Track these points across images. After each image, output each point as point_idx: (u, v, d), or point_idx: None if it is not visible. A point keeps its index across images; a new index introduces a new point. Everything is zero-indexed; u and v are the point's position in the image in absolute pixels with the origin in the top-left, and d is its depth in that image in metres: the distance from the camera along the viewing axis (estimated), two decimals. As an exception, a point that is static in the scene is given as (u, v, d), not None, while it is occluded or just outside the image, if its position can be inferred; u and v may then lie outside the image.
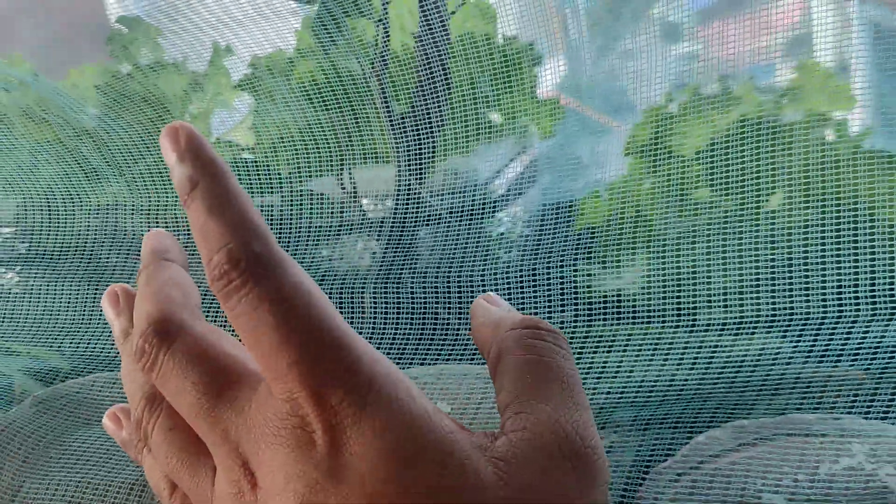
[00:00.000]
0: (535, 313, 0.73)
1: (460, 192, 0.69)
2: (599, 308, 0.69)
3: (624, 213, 0.74)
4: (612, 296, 0.71)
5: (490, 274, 0.73)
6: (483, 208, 0.72)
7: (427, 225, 0.68)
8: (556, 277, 0.72)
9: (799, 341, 0.53)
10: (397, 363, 0.68)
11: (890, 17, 1.75)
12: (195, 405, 0.28)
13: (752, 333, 0.59)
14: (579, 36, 2.20)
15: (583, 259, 0.73)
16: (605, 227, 0.74)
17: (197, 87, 0.80)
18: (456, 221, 0.70)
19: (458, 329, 0.69)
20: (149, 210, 0.74)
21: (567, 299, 0.72)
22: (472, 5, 0.82)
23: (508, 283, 0.72)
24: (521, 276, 0.73)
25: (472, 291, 0.71)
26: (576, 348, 0.67)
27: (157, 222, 0.75)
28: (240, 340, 0.30)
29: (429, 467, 0.24)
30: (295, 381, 0.26)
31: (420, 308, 0.66)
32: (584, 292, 0.72)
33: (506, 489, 0.24)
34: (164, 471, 0.31)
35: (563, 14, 2.12)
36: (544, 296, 0.73)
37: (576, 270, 0.73)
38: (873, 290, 0.58)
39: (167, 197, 0.74)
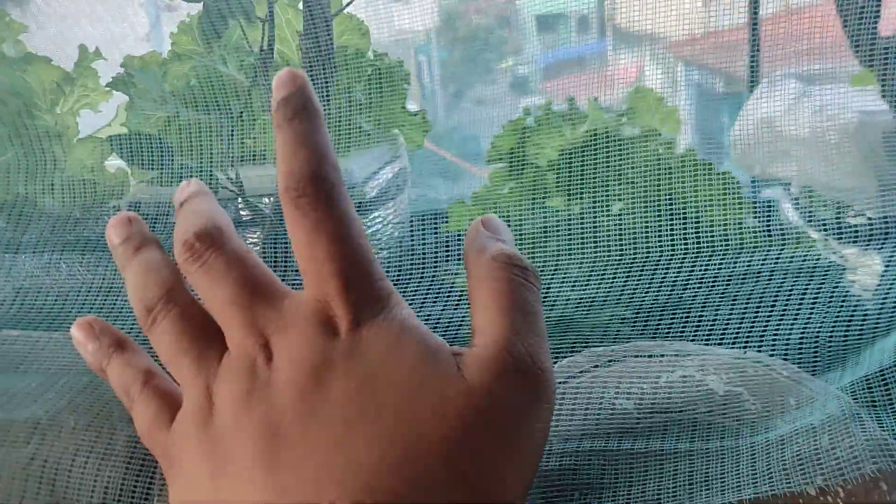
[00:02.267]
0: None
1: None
2: (466, 302, 0.74)
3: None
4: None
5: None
6: (358, 208, 0.76)
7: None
8: (428, 276, 0.77)
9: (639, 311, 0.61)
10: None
11: (709, 76, 1.96)
12: (232, 295, 0.32)
13: (601, 310, 0.66)
14: (432, 83, 2.30)
15: (454, 261, 0.78)
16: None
17: (65, 85, 0.79)
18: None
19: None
20: (13, 204, 0.72)
21: (440, 296, 0.76)
22: (346, 17, 0.87)
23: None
24: (393, 276, 0.76)
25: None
26: (449, 336, 0.71)
27: (20, 216, 0.73)
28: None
29: (419, 357, 0.30)
30: (334, 285, 0.32)
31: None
32: (453, 290, 0.76)
33: (465, 384, 0.30)
34: (164, 357, 0.33)
35: (418, 62, 2.21)
36: (413, 292, 0.76)
37: (446, 271, 0.77)
38: (701, 277, 0.67)
39: (27, 187, 0.72)
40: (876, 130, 0.68)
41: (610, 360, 0.49)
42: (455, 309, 0.73)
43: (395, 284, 0.81)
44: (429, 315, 0.75)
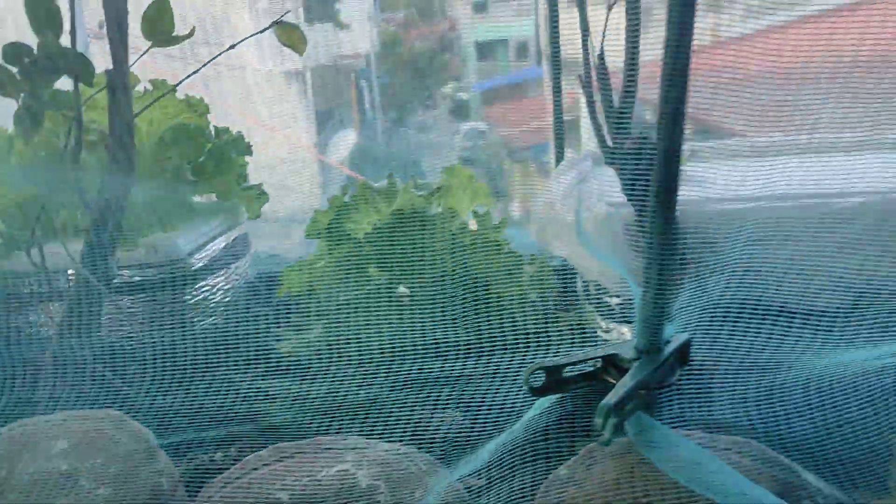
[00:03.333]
0: (231, 369, 0.81)
1: (158, 266, 0.79)
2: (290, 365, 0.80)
3: (312, 284, 0.86)
4: (303, 352, 0.82)
5: (187, 337, 0.81)
6: (183, 279, 0.82)
7: (121, 293, 0.77)
8: (252, 341, 0.83)
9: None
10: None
11: (637, 106, 2.02)
12: None
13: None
14: (373, 109, 2.35)
15: (283, 325, 0.84)
16: (300, 295, 0.86)
17: None
18: (155, 291, 0.80)
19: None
20: None
21: (259, 358, 0.82)
22: (182, 100, 0.92)
23: (205, 346, 0.80)
24: (220, 341, 0.82)
25: (165, 356, 0.79)
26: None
27: None
28: None
29: None
30: None
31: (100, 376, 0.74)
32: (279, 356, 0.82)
33: None
34: None
35: (359, 87, 2.26)
36: (243, 357, 0.82)
37: (277, 336, 0.83)
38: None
39: None
40: (619, 220, 0.75)
41: (296, 453, 0.56)
42: (276, 377, 0.78)
43: (221, 350, 0.87)
44: (253, 378, 0.81)
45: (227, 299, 0.88)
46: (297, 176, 1.79)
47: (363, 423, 0.61)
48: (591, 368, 0.52)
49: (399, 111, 2.26)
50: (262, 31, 0.83)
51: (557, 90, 0.95)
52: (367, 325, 0.77)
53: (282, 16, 0.83)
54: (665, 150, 0.39)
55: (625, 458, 0.51)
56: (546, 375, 0.51)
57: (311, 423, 0.63)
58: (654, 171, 0.42)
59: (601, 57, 0.80)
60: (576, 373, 0.51)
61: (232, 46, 0.87)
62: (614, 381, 0.48)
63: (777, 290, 0.74)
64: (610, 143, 0.78)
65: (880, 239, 0.73)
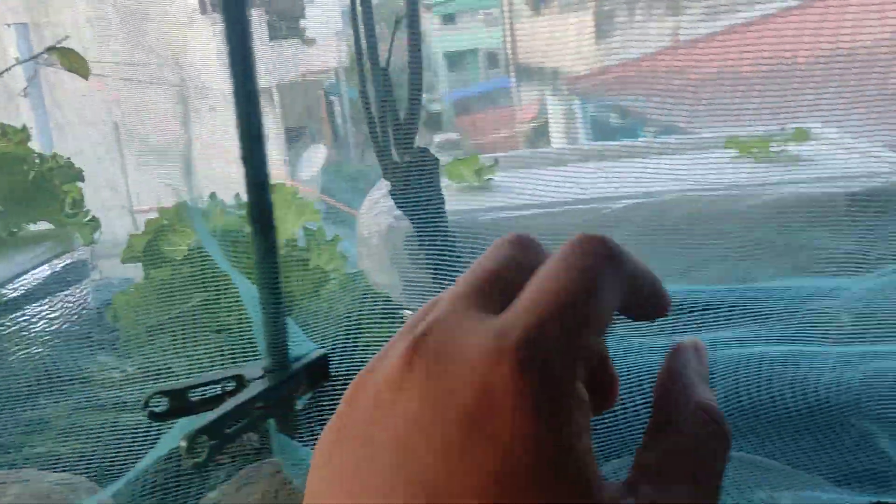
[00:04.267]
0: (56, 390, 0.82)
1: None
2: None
3: (138, 307, 0.86)
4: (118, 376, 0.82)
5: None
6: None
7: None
8: (84, 366, 0.83)
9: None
10: None
11: (603, 111, 2.00)
12: None
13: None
14: (344, 123, 2.37)
15: (109, 351, 0.84)
16: (128, 317, 0.86)
17: None
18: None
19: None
20: None
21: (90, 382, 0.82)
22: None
23: (26, 377, 0.81)
24: (41, 370, 0.82)
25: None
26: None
27: None
28: None
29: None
30: None
31: None
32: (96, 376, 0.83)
33: None
34: None
35: (328, 102, 2.28)
36: (60, 381, 0.82)
37: (102, 364, 0.84)
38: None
39: None
40: (401, 234, 0.73)
41: None
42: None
43: (43, 380, 0.86)
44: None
45: (53, 328, 0.89)
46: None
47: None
48: (220, 391, 0.50)
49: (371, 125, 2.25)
50: (33, 58, 0.84)
51: (366, 105, 0.94)
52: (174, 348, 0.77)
53: (59, 41, 0.84)
54: (252, 177, 0.38)
55: (275, 477, 0.49)
56: (170, 400, 0.50)
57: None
58: (248, 196, 0.40)
59: (385, 71, 0.79)
60: (207, 395, 0.50)
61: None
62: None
63: None
64: (396, 156, 0.77)
65: (647, 242, 0.70)
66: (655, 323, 0.59)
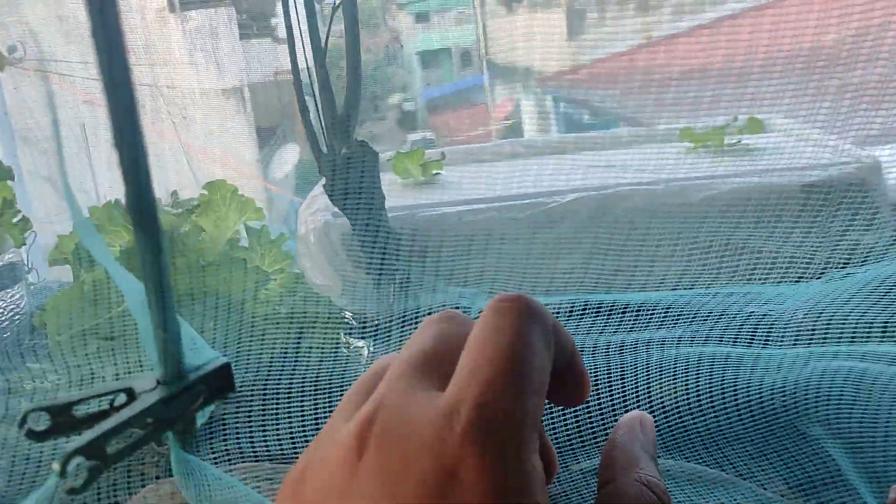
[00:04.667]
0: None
1: None
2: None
3: (66, 311, 0.83)
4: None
5: None
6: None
7: None
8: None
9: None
10: None
11: (576, 108, 1.99)
12: None
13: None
14: (321, 122, 2.33)
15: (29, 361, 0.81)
16: (54, 322, 0.83)
17: None
18: None
19: None
20: None
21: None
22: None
23: None
24: None
25: None
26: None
27: None
28: None
29: None
30: None
31: None
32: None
33: None
34: None
35: (302, 102, 2.25)
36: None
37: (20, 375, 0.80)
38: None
39: None
40: (338, 231, 0.70)
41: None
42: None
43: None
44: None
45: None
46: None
47: None
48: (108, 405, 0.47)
49: (344, 126, 2.22)
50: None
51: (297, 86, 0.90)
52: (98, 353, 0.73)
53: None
54: (128, 165, 0.34)
55: (174, 499, 0.46)
56: (51, 416, 0.46)
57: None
58: (126, 189, 0.37)
59: (322, 63, 0.75)
60: (97, 409, 0.46)
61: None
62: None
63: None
64: (325, 150, 0.74)
65: (594, 236, 0.67)
66: (593, 324, 0.57)
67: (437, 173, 0.85)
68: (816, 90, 0.70)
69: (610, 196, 0.69)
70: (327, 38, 0.76)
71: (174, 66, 1.91)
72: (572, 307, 0.57)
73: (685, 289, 0.60)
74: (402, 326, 0.66)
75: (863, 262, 0.60)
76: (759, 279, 0.62)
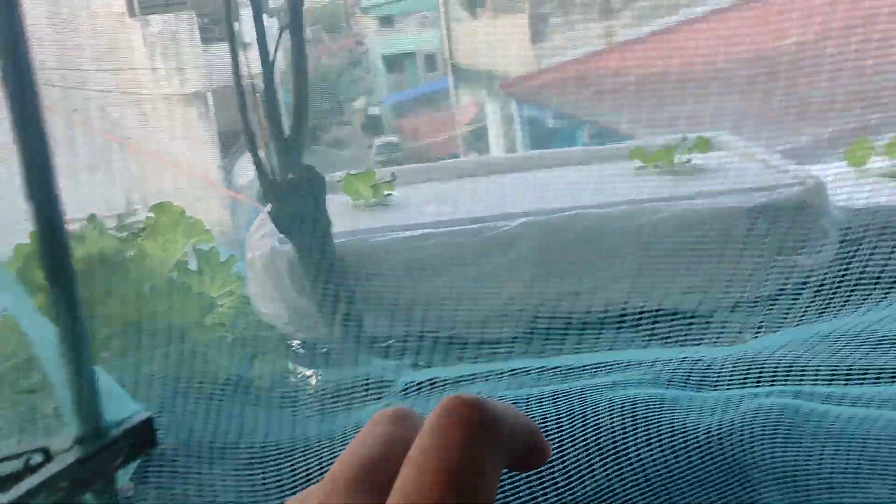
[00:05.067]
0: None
1: None
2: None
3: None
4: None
5: None
6: None
7: None
8: None
9: None
10: None
11: (540, 113, 1.98)
12: None
13: None
14: (285, 127, 2.30)
15: None
16: None
17: None
18: None
19: None
20: None
21: None
22: None
23: None
24: None
25: None
26: None
27: None
28: None
29: None
30: None
31: None
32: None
33: None
34: None
35: (248, 125, 2.23)
36: None
37: None
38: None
39: None
40: (284, 258, 0.69)
41: None
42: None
43: None
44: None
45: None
46: (201, 203, 1.72)
47: None
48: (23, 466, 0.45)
49: (310, 129, 2.21)
50: None
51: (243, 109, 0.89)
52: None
53: None
54: (39, 214, 0.32)
55: None
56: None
57: None
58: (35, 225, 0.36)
59: (269, 82, 0.74)
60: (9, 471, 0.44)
61: None
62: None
63: (441, 320, 0.68)
64: (277, 176, 0.72)
65: (542, 261, 0.67)
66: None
67: (388, 194, 0.84)
68: (760, 108, 0.71)
69: (560, 220, 0.69)
70: (273, 62, 0.75)
71: (135, 72, 1.88)
72: (513, 371, 0.56)
73: (625, 315, 0.60)
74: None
75: (803, 284, 0.60)
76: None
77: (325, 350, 0.67)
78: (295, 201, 0.67)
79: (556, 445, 0.47)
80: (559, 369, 0.53)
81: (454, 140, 2.26)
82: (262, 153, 0.75)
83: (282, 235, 0.73)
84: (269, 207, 0.72)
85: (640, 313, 0.60)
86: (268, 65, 0.71)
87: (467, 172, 0.87)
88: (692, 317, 0.62)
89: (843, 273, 0.59)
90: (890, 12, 0.78)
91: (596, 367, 0.52)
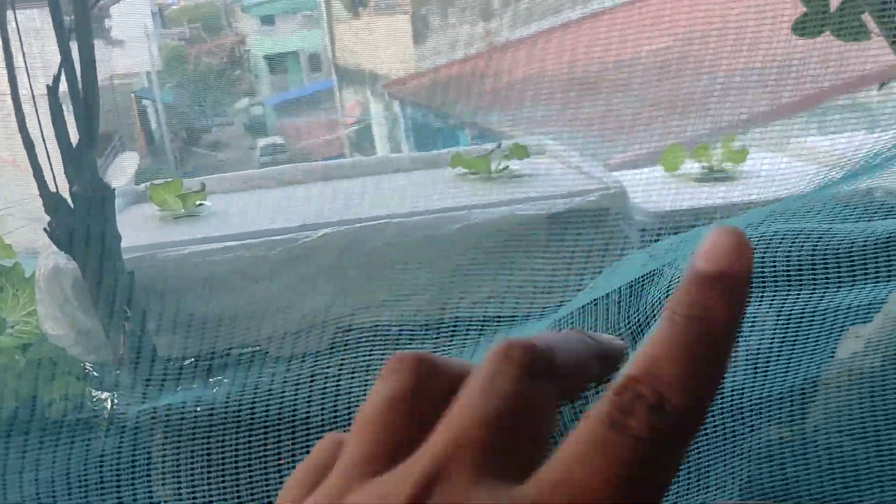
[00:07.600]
0: None
1: None
2: None
3: None
4: None
5: None
6: None
7: None
8: None
9: None
10: None
11: (423, 113, 1.95)
12: None
13: None
14: (160, 129, 2.22)
15: None
16: None
17: None
18: None
19: None
20: None
21: None
22: None
23: None
24: None
25: None
26: None
27: None
28: None
29: None
30: None
31: None
32: None
33: None
34: None
35: (141, 107, 2.13)
36: None
37: None
38: None
39: None
40: (69, 277, 0.65)
41: None
42: None
43: None
44: None
45: None
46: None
47: None
48: None
49: (190, 130, 2.13)
50: None
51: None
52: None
53: None
54: None
55: None
56: None
57: None
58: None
59: (54, 90, 0.69)
60: None
61: None
62: None
63: (245, 336, 0.66)
64: (67, 186, 0.68)
65: (344, 273, 0.65)
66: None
67: (200, 204, 0.80)
68: (572, 115, 0.71)
69: (362, 230, 0.67)
70: (60, 68, 0.70)
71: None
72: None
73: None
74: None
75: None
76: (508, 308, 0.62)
77: (117, 372, 0.63)
78: (77, 216, 0.63)
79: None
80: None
81: (339, 141, 2.24)
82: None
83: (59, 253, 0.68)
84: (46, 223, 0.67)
85: (440, 322, 0.59)
86: (55, 76, 0.66)
87: (296, 180, 0.84)
88: (497, 321, 0.61)
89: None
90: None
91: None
